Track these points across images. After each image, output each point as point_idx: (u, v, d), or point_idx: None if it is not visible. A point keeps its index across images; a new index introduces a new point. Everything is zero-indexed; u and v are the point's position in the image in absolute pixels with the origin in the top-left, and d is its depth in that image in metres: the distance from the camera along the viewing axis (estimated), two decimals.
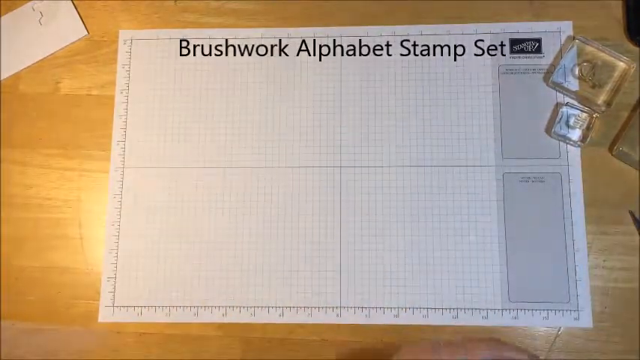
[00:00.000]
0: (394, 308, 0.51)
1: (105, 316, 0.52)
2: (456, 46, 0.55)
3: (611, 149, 0.53)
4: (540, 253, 0.51)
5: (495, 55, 0.55)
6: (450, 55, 0.55)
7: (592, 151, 0.53)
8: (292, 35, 0.56)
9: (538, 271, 0.51)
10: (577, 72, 0.53)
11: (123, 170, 0.55)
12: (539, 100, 0.54)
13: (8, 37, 0.58)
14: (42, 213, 0.55)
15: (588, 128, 0.52)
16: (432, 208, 0.53)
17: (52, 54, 0.58)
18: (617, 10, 0.55)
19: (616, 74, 0.53)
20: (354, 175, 0.54)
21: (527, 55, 0.55)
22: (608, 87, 0.53)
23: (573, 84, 0.53)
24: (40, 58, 0.58)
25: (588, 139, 0.52)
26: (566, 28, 0.55)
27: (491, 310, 0.51)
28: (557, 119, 0.52)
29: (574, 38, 0.54)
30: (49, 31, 0.58)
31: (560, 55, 0.54)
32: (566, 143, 0.53)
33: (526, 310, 0.50)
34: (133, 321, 0.52)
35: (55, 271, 0.54)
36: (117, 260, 0.53)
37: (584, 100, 0.53)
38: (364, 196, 0.53)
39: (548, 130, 0.53)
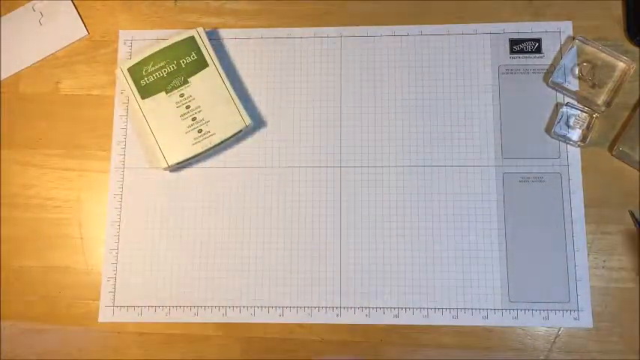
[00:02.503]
0: (394, 308, 0.51)
1: (105, 316, 0.53)
2: (455, 46, 0.55)
3: (611, 149, 0.53)
4: (540, 253, 0.51)
5: (495, 55, 0.55)
6: (449, 55, 0.55)
7: (592, 151, 0.53)
8: (292, 35, 0.56)
9: (538, 271, 0.51)
10: (577, 72, 0.53)
11: (123, 170, 0.55)
12: (539, 100, 0.54)
13: (8, 37, 0.58)
14: (42, 213, 0.55)
15: (588, 128, 0.52)
16: (432, 208, 0.53)
17: (52, 54, 0.58)
18: (617, 10, 0.55)
19: (616, 74, 0.53)
20: (354, 175, 0.54)
21: (527, 55, 0.55)
22: (608, 87, 0.53)
23: (573, 84, 0.53)
24: (40, 58, 0.58)
25: (588, 139, 0.52)
26: (566, 28, 0.55)
27: (491, 310, 0.51)
28: (557, 119, 0.52)
29: (574, 38, 0.54)
30: (49, 31, 0.58)
31: (560, 55, 0.54)
32: (567, 143, 0.53)
33: (526, 310, 0.50)
34: (133, 321, 0.52)
35: (55, 271, 0.54)
36: (117, 260, 0.53)
37: (584, 100, 0.53)
38: (364, 196, 0.53)
39: (549, 130, 0.53)
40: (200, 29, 0.55)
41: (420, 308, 0.51)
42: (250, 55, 0.56)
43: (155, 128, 0.53)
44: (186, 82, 0.54)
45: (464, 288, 0.51)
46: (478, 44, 0.55)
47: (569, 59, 0.53)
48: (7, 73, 0.57)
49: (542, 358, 0.50)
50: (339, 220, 0.53)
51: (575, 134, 0.52)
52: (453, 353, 0.50)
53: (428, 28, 0.56)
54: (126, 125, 0.56)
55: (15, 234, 0.54)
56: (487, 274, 0.51)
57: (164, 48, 0.54)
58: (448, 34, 0.56)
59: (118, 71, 0.55)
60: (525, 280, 0.51)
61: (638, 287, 0.50)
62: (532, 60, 0.55)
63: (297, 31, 0.56)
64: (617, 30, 0.55)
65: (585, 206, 0.52)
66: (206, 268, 0.52)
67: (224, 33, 0.57)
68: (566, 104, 0.53)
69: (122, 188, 0.54)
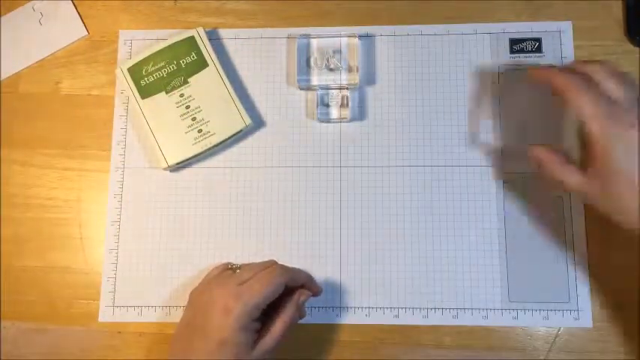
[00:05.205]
0: (394, 308, 0.51)
1: (105, 316, 0.53)
2: (455, 46, 0.55)
3: None
4: (540, 252, 0.51)
5: (495, 55, 0.55)
6: (449, 55, 0.55)
7: None
8: (292, 35, 0.56)
9: (538, 271, 0.51)
10: (312, 66, 0.55)
11: (123, 170, 0.55)
12: (539, 100, 0.54)
13: (8, 37, 0.58)
14: (42, 213, 0.55)
15: (344, 105, 0.54)
16: (432, 208, 0.53)
17: (52, 54, 0.58)
18: (617, 10, 0.55)
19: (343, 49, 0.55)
20: (354, 175, 0.54)
21: (527, 54, 0.55)
22: (348, 63, 0.55)
23: (320, 77, 0.55)
24: (40, 58, 0.58)
25: (349, 115, 0.54)
26: (566, 28, 0.55)
27: (491, 310, 0.51)
28: (316, 104, 0.54)
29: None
30: (49, 31, 0.58)
31: (560, 54, 0.54)
32: (332, 123, 0.54)
33: (526, 310, 0.50)
34: (133, 321, 0.52)
35: (56, 271, 0.54)
36: (117, 260, 0.53)
37: (334, 83, 0.54)
38: (364, 196, 0.53)
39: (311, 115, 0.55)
40: (200, 29, 0.55)
41: (420, 308, 0.51)
42: (250, 55, 0.56)
43: (155, 128, 0.53)
44: (186, 82, 0.54)
45: (464, 288, 0.51)
46: (478, 44, 0.55)
47: (300, 57, 0.55)
48: (7, 73, 0.57)
49: (542, 358, 0.50)
50: (338, 219, 0.53)
51: (334, 113, 0.54)
52: (453, 353, 0.50)
53: (428, 28, 0.56)
54: (126, 125, 0.56)
55: (15, 234, 0.54)
56: (487, 274, 0.51)
57: (164, 48, 0.54)
58: (448, 34, 0.56)
59: (118, 71, 0.55)
60: (525, 280, 0.51)
61: (638, 287, 0.50)
62: (532, 59, 0.55)
63: (297, 31, 0.56)
64: (617, 30, 0.55)
65: (585, 206, 0.52)
66: (206, 268, 0.52)
67: (224, 33, 0.57)
68: (319, 87, 0.54)
69: (122, 188, 0.54)
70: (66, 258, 0.54)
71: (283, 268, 0.47)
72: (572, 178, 0.44)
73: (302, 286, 0.48)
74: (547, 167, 0.46)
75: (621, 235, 0.50)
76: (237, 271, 0.47)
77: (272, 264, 0.47)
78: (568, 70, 0.44)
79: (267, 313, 0.45)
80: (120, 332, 0.52)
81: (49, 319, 0.53)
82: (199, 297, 0.46)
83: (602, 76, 0.43)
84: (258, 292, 0.43)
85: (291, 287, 0.47)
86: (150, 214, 0.54)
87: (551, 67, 0.43)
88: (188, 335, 0.44)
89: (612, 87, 0.42)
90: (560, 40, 0.55)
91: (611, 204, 0.42)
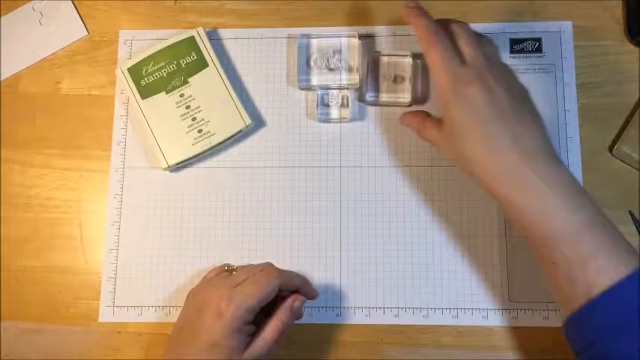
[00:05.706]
0: (394, 308, 0.51)
1: (105, 316, 0.53)
2: None
3: (611, 149, 0.53)
4: None
5: None
6: None
7: (592, 151, 0.53)
8: (292, 35, 0.56)
9: (538, 271, 0.51)
10: (312, 65, 0.55)
11: (123, 170, 0.55)
12: (540, 99, 0.54)
13: (8, 37, 0.58)
14: (42, 213, 0.55)
15: (344, 105, 0.54)
16: (432, 207, 0.53)
17: (52, 54, 0.58)
18: (617, 10, 0.55)
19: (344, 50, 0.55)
20: (354, 175, 0.54)
21: (528, 54, 0.55)
22: (343, 65, 0.55)
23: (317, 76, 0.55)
24: (40, 58, 0.58)
25: (349, 115, 0.54)
26: (566, 28, 0.55)
27: (491, 310, 0.51)
28: (316, 104, 0.54)
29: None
30: (49, 31, 0.58)
31: (560, 54, 0.54)
32: (331, 123, 0.54)
33: (526, 310, 0.50)
34: (133, 321, 0.52)
35: (56, 271, 0.54)
36: (117, 260, 0.53)
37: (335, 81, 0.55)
38: (364, 196, 0.53)
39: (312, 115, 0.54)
40: (200, 29, 0.55)
41: (420, 308, 0.51)
42: (250, 55, 0.56)
43: (155, 128, 0.53)
44: (186, 82, 0.54)
45: (464, 288, 0.51)
46: None
47: (301, 57, 0.55)
48: (7, 73, 0.57)
49: (542, 357, 0.50)
50: (339, 219, 0.53)
51: (334, 113, 0.54)
52: (453, 353, 0.50)
53: None
54: (126, 125, 0.56)
55: (15, 234, 0.54)
56: (487, 274, 0.51)
57: (164, 48, 0.54)
58: None
59: (118, 71, 0.55)
60: (525, 280, 0.51)
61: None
62: (533, 59, 0.55)
63: (297, 31, 0.56)
64: (617, 30, 0.55)
65: None
66: (206, 268, 0.52)
67: (224, 33, 0.57)
68: (319, 87, 0.54)
69: (122, 188, 0.54)
70: (66, 258, 0.54)
71: (277, 270, 0.47)
72: (430, 133, 0.48)
73: (298, 290, 0.48)
74: (413, 128, 0.50)
75: None
76: (234, 272, 0.47)
77: (267, 266, 0.47)
78: (434, 22, 0.45)
79: (264, 316, 0.45)
80: (119, 332, 0.52)
81: (49, 319, 0.53)
82: (195, 298, 0.46)
83: (459, 35, 0.45)
84: (251, 295, 0.43)
85: (286, 290, 0.47)
86: (150, 214, 0.54)
87: (421, 11, 0.46)
88: (182, 336, 0.45)
89: (464, 46, 0.44)
90: (560, 40, 0.55)
91: (456, 155, 0.44)
